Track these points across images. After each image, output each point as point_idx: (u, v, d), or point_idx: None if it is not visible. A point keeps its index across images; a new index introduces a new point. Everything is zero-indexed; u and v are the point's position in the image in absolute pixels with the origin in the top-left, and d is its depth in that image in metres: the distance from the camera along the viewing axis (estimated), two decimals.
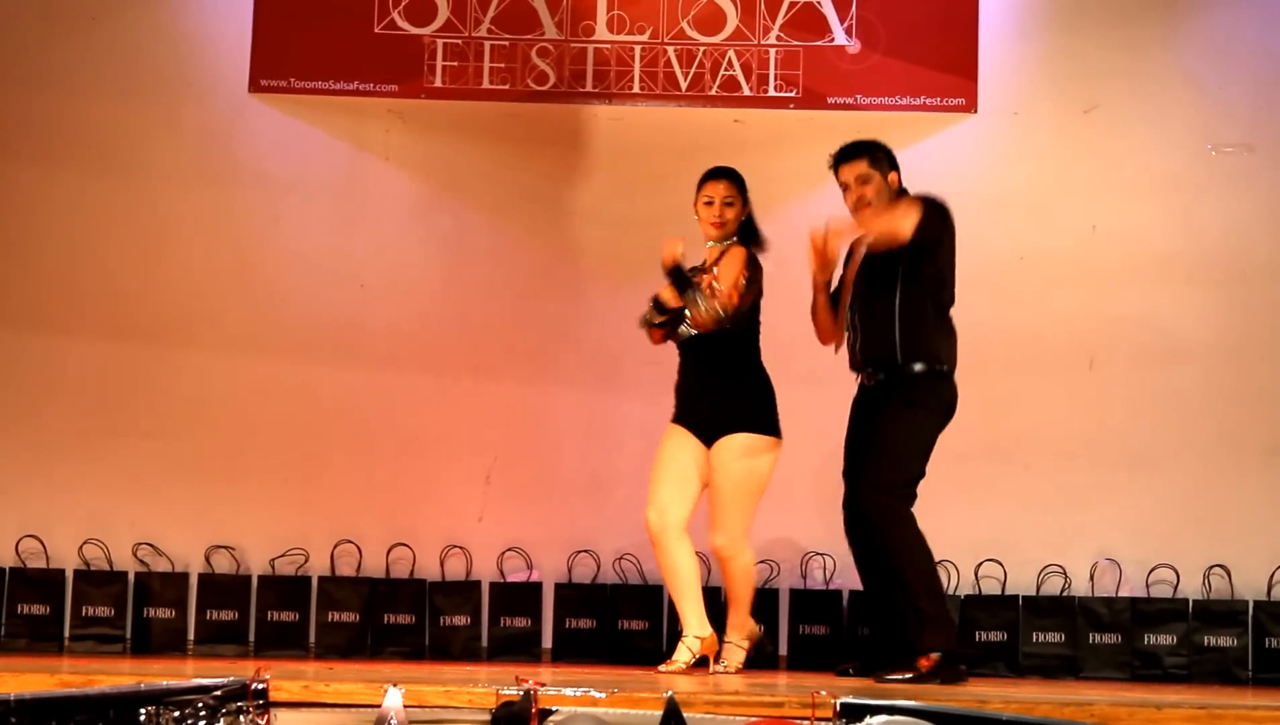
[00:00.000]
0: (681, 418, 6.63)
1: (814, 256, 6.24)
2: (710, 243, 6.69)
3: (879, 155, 6.36)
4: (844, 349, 6.54)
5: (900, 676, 5.88)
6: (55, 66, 8.44)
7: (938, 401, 6.24)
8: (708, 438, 6.54)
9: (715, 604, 6.99)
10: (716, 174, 6.70)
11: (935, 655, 6.02)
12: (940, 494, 7.98)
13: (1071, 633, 7.90)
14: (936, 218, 6.10)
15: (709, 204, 6.64)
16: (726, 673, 6.57)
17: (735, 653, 6.69)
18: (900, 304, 6.19)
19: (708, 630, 6.59)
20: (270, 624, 8.09)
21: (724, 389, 6.54)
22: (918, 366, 6.19)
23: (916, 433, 6.21)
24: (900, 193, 6.32)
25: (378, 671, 5.41)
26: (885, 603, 6.30)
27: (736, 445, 6.48)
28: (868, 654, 6.47)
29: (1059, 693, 5.46)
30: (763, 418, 6.52)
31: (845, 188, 6.37)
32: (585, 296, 8.36)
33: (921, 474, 6.25)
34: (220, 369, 8.35)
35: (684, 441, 6.58)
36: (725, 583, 6.74)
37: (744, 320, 6.51)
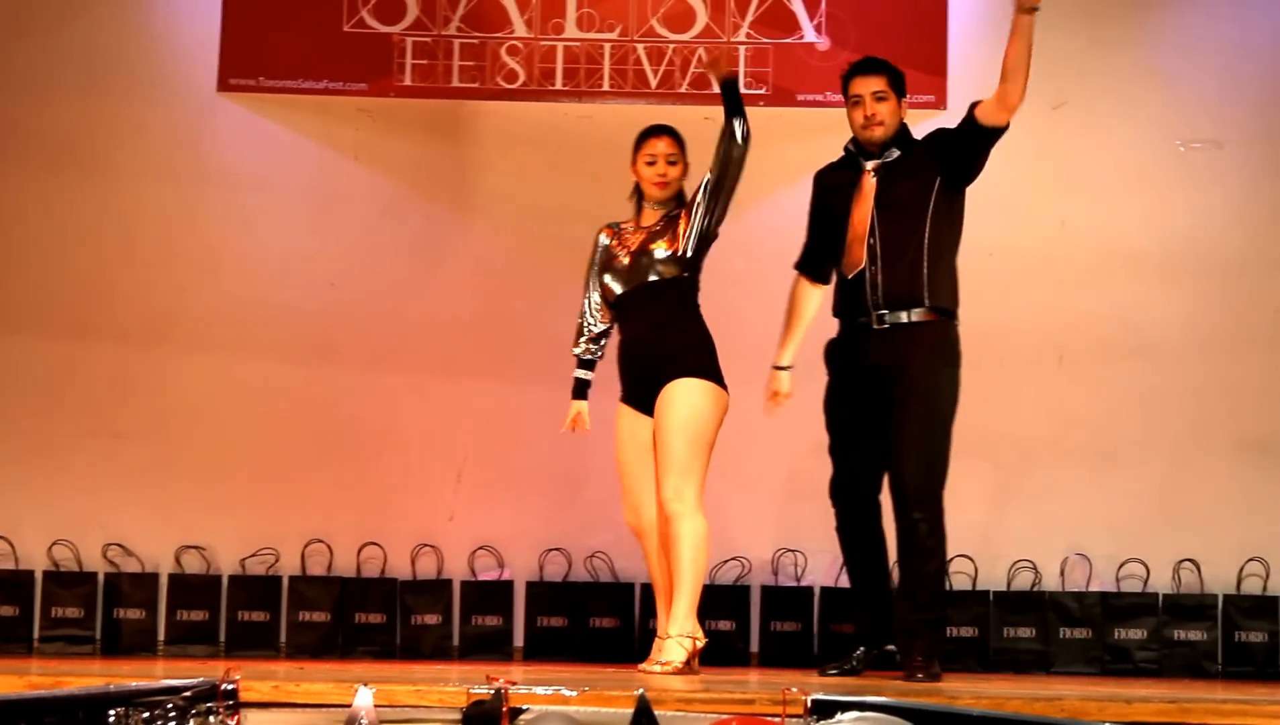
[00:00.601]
0: (628, 395, 6.30)
1: None
2: (650, 205, 6.38)
3: (897, 78, 6.17)
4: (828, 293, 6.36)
5: (921, 677, 5.83)
6: (23, 66, 8.42)
7: (957, 354, 6.13)
8: (653, 398, 6.18)
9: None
10: (658, 130, 6.39)
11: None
12: None
13: (1042, 628, 7.92)
14: None
15: (651, 163, 6.33)
16: (665, 672, 5.94)
17: (675, 649, 6.00)
18: (929, 239, 6.04)
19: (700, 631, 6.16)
20: (241, 624, 8.07)
21: (666, 340, 6.20)
22: (944, 309, 6.07)
23: (954, 403, 6.10)
24: (903, 127, 6.16)
25: (348, 671, 5.40)
26: (879, 599, 6.25)
27: (680, 390, 6.10)
28: (864, 653, 6.25)
29: (1030, 688, 5.46)
30: (709, 367, 6.16)
31: (857, 101, 6.13)
32: (556, 295, 8.32)
33: None
34: (190, 369, 8.33)
35: (635, 425, 6.26)
36: (667, 561, 6.12)
37: (693, 264, 6.25)
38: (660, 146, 6.34)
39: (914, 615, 5.97)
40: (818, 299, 6.41)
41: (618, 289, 6.32)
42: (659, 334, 6.23)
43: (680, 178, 6.36)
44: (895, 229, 6.04)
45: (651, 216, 6.38)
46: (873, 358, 6.08)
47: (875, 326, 6.07)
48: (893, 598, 6.23)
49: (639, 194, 6.44)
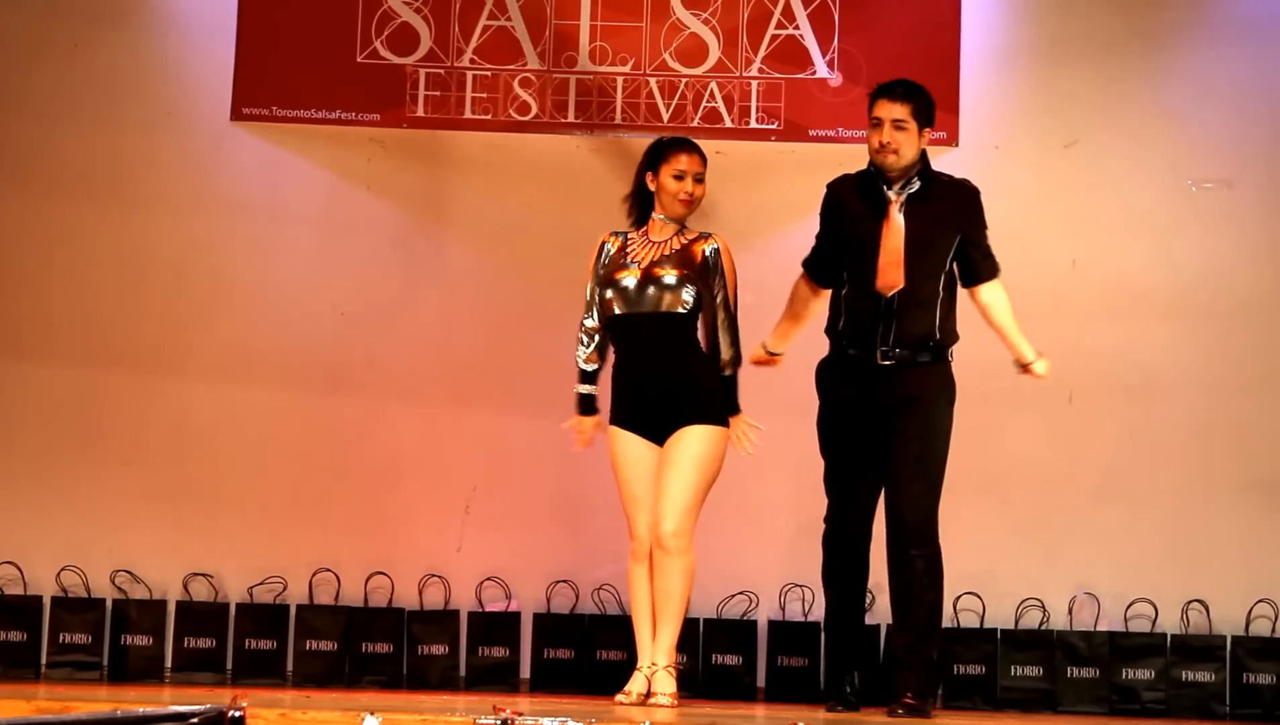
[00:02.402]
0: (630, 421, 6.18)
1: None
2: (664, 218, 6.24)
3: (924, 107, 6.04)
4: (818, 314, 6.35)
5: (901, 713, 5.81)
6: (37, 93, 8.44)
7: (954, 392, 6.17)
8: (661, 434, 6.14)
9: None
10: (688, 146, 6.25)
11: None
12: None
13: (1049, 666, 7.90)
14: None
15: (679, 178, 6.17)
16: (673, 704, 5.97)
17: (669, 679, 6.04)
18: (945, 283, 6.06)
19: None
20: (248, 652, 8.06)
21: (685, 379, 6.13)
22: (947, 349, 6.13)
23: (948, 442, 6.12)
24: (923, 157, 6.06)
25: (355, 700, 5.40)
26: (859, 631, 6.27)
27: (702, 434, 6.08)
28: (861, 690, 6.21)
29: None
30: (722, 412, 6.16)
31: (877, 124, 5.99)
32: (566, 326, 8.29)
33: None
34: (200, 397, 8.34)
35: (639, 450, 6.16)
36: (659, 594, 6.06)
37: (696, 302, 6.18)
38: (693, 164, 6.19)
39: (907, 651, 5.97)
40: (817, 302, 6.36)
41: (620, 308, 6.20)
42: (674, 370, 6.15)
43: (702, 197, 6.25)
44: (920, 269, 6.00)
45: (663, 231, 6.26)
46: (878, 393, 6.04)
47: (881, 362, 6.04)
48: (864, 632, 6.34)
49: (645, 204, 6.31)
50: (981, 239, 6.14)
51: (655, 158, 6.24)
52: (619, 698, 6.06)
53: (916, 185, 6.05)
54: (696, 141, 6.33)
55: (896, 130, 5.98)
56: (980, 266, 6.16)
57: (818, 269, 6.31)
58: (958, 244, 6.07)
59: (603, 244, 6.35)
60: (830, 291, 6.27)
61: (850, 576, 6.17)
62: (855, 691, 6.15)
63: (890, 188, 6.05)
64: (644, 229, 6.30)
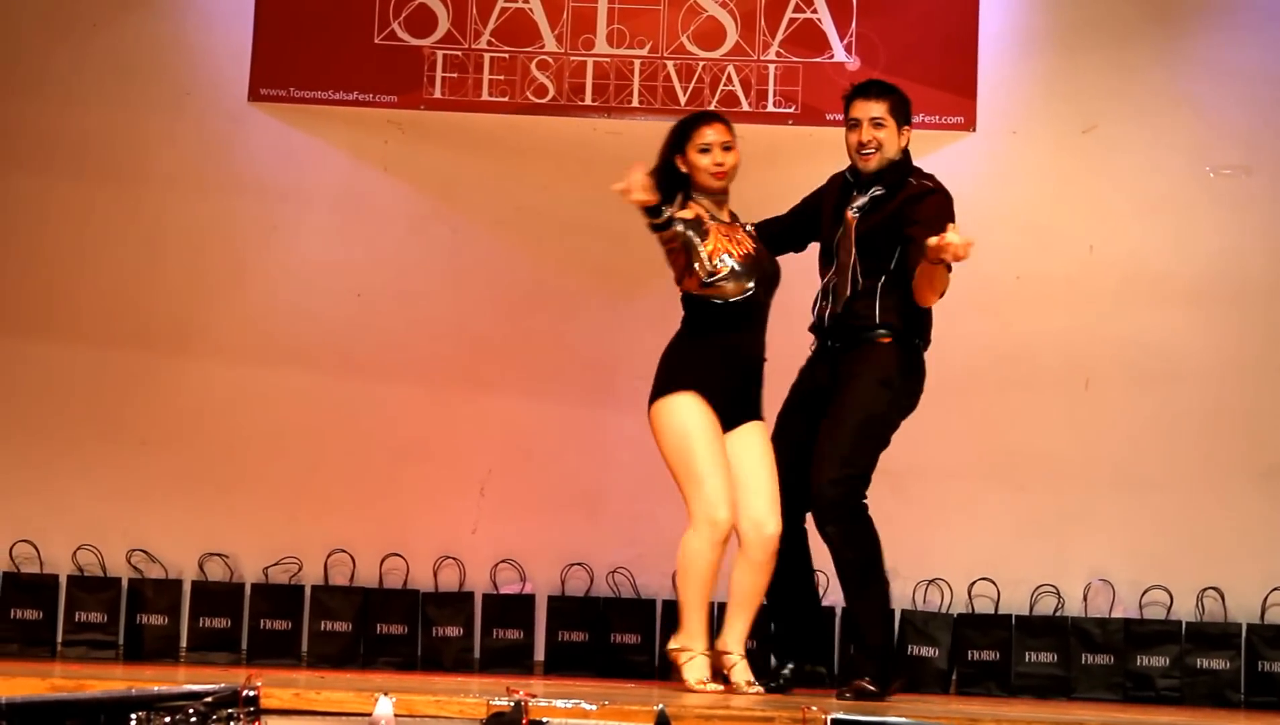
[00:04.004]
0: (710, 393, 5.86)
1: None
2: (706, 197, 5.98)
3: (900, 104, 5.98)
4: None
5: (848, 695, 5.69)
6: (55, 74, 8.45)
7: (902, 372, 5.98)
8: (734, 420, 5.92)
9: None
10: (708, 117, 6.04)
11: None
12: (934, 513, 8.02)
13: (1064, 653, 7.89)
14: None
15: (705, 151, 5.93)
16: (757, 694, 5.84)
17: (748, 668, 5.97)
18: (886, 279, 5.90)
19: None
20: (263, 632, 8.08)
21: (758, 369, 5.99)
22: (894, 328, 5.93)
23: (884, 419, 5.97)
24: (905, 154, 5.99)
25: (369, 681, 5.41)
26: (801, 614, 6.17)
27: (764, 429, 5.98)
28: (792, 670, 6.08)
29: (1051, 713, 5.46)
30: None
31: (855, 125, 5.94)
32: (582, 309, 8.36)
33: None
34: (216, 377, 8.35)
35: (716, 428, 5.86)
36: (752, 588, 5.92)
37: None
38: (714, 134, 5.94)
39: (848, 634, 5.90)
40: None
41: (749, 282, 5.90)
42: (759, 363, 6.02)
43: (736, 165, 5.98)
44: (864, 265, 5.93)
45: (724, 212, 6.03)
46: (821, 377, 6.03)
47: (829, 346, 6.03)
48: (819, 615, 6.24)
49: (680, 184, 6.01)
50: (919, 232, 5.75)
51: (680, 138, 6.01)
52: (703, 687, 5.81)
53: (879, 192, 5.95)
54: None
55: (875, 128, 5.93)
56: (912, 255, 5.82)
57: (772, 232, 6.20)
58: (900, 248, 5.88)
59: (698, 211, 5.97)
60: None
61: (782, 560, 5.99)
62: (794, 674, 6.01)
63: (858, 193, 6.00)
64: (713, 209, 6.01)
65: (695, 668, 5.87)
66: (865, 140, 5.94)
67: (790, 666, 6.07)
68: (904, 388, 5.95)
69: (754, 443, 5.94)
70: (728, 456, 5.87)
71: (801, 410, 6.06)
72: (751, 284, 5.90)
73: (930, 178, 6.04)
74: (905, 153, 6.03)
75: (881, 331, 5.90)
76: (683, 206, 5.95)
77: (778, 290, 6.10)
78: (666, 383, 5.92)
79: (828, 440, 5.87)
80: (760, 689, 5.84)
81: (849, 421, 5.86)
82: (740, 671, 5.91)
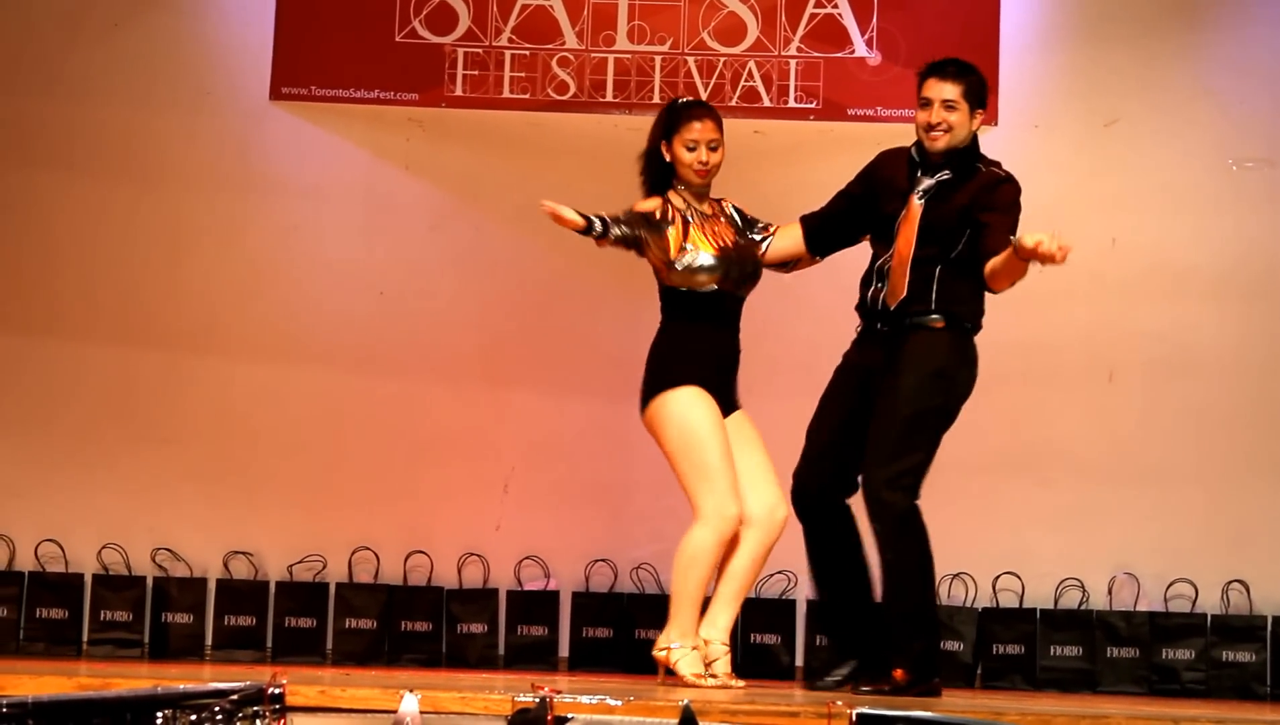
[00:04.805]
0: (707, 382, 5.89)
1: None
2: (688, 189, 6.01)
3: (976, 87, 5.81)
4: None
5: (877, 688, 5.61)
6: (76, 73, 8.47)
7: (956, 360, 5.87)
8: (727, 407, 5.94)
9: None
10: (699, 111, 6.00)
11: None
12: (958, 506, 8.00)
13: (1089, 646, 7.89)
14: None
15: (691, 148, 5.94)
16: (740, 686, 5.87)
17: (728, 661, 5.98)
18: (944, 264, 5.78)
19: None
20: (288, 630, 8.10)
21: (736, 361, 6.00)
22: (951, 315, 5.82)
23: (938, 409, 5.85)
24: (974, 139, 5.85)
25: (394, 678, 5.42)
26: (859, 613, 5.97)
27: (747, 418, 6.01)
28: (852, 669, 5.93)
29: (1076, 706, 5.45)
30: None
31: (926, 104, 5.78)
32: (604, 306, 8.36)
33: None
34: (238, 376, 8.37)
35: (719, 419, 5.88)
36: (749, 573, 5.94)
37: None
38: (706, 131, 5.95)
39: (891, 628, 5.73)
40: (794, 251, 6.14)
41: (715, 285, 5.93)
42: (737, 352, 6.03)
43: (719, 164, 5.98)
44: (924, 251, 5.79)
45: (706, 204, 6.05)
46: (869, 359, 5.89)
47: (880, 329, 5.89)
48: (874, 610, 5.98)
49: (666, 173, 6.05)
50: (986, 234, 5.72)
51: (668, 127, 6.01)
52: (703, 680, 5.77)
53: (946, 175, 5.82)
54: (722, 112, 6.17)
55: (947, 110, 5.77)
56: (985, 248, 5.75)
57: (816, 229, 6.11)
58: (968, 234, 5.77)
59: (667, 200, 6.04)
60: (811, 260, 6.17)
61: (827, 550, 5.94)
62: (852, 674, 5.85)
63: (923, 174, 5.85)
64: (694, 199, 6.04)
65: (690, 662, 5.84)
66: (935, 121, 5.79)
67: (851, 665, 5.90)
68: (959, 376, 5.83)
69: (748, 430, 5.96)
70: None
71: (850, 392, 5.91)
72: (722, 275, 5.92)
73: (998, 165, 5.92)
74: (974, 138, 5.89)
75: (935, 317, 5.78)
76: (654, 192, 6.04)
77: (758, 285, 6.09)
78: (662, 378, 5.94)
79: (880, 433, 5.74)
80: (741, 684, 5.80)
81: (901, 415, 5.73)
82: (724, 664, 5.87)
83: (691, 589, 5.85)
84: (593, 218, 5.87)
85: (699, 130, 5.94)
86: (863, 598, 5.98)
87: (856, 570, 5.97)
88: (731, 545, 5.87)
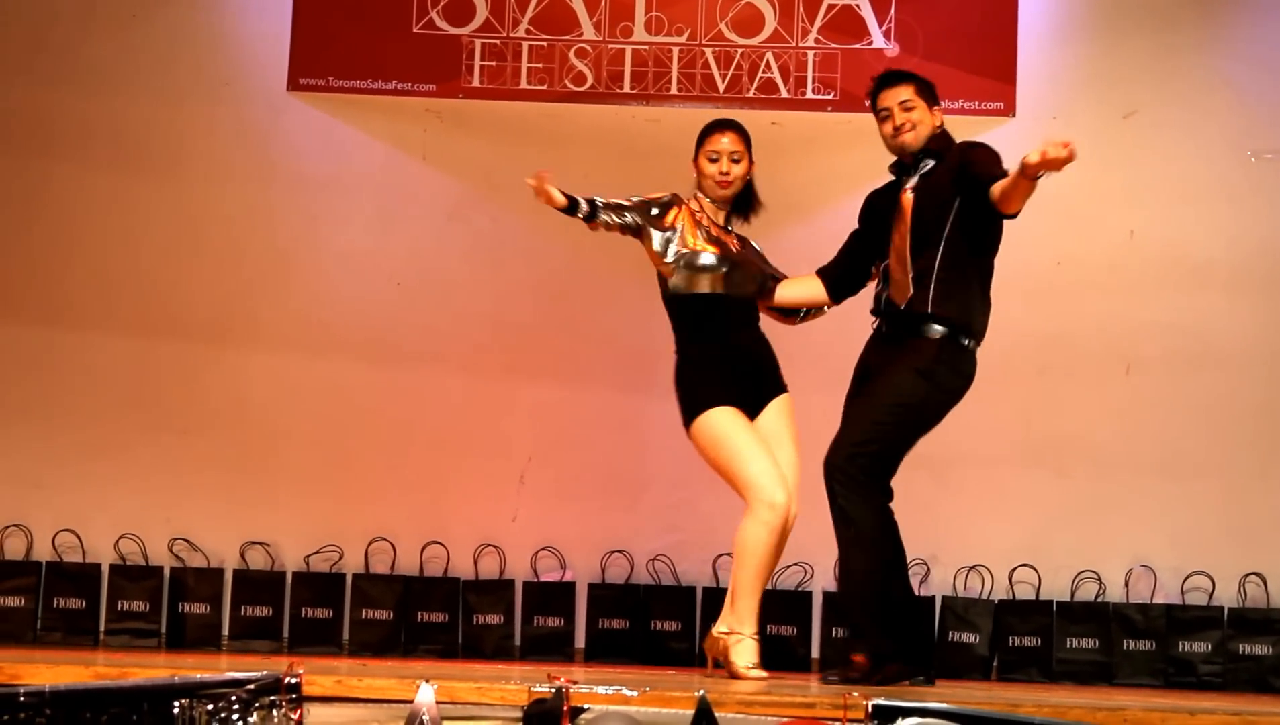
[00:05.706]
0: (736, 399, 5.97)
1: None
2: (714, 202, 6.15)
3: (924, 86, 5.97)
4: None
5: (843, 675, 5.61)
6: (94, 64, 8.49)
7: (944, 365, 5.87)
8: (757, 407, 6.03)
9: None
10: (721, 125, 6.16)
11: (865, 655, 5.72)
12: (975, 499, 7.99)
13: (1106, 639, 7.88)
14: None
15: (714, 160, 6.10)
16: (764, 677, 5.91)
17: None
18: (943, 255, 5.83)
19: None
20: (304, 620, 8.12)
21: (766, 351, 6.11)
22: (946, 320, 5.83)
23: (914, 407, 5.86)
24: (942, 130, 5.96)
25: (411, 668, 5.43)
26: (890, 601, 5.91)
27: (789, 403, 6.09)
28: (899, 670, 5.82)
29: (1092, 698, 5.44)
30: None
31: (885, 115, 5.93)
32: (621, 298, 8.35)
33: None
34: (256, 366, 8.39)
35: (745, 419, 5.96)
36: (771, 564, 5.98)
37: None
38: (723, 142, 6.11)
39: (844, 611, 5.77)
40: (814, 297, 6.28)
41: (717, 287, 6.07)
42: (760, 345, 6.12)
43: (744, 176, 6.13)
44: (920, 244, 5.85)
45: (720, 217, 6.18)
46: (872, 357, 5.98)
47: (884, 330, 5.97)
48: (917, 608, 6.04)
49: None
50: (977, 166, 5.81)
51: (698, 141, 6.20)
52: (745, 669, 5.78)
53: (930, 164, 5.93)
54: (741, 119, 6.28)
55: (905, 111, 5.91)
56: (983, 185, 5.78)
57: (834, 279, 6.25)
58: (957, 208, 5.82)
59: (670, 200, 6.19)
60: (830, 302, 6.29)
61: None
62: (864, 670, 5.74)
63: (909, 176, 5.96)
64: (709, 211, 6.19)
65: (745, 652, 5.86)
66: (899, 123, 5.93)
67: (896, 668, 5.77)
68: (944, 381, 5.83)
69: (779, 424, 6.04)
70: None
71: (856, 391, 6.01)
72: (722, 275, 6.04)
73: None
74: (943, 129, 6.00)
75: (933, 324, 5.82)
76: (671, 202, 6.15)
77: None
78: (692, 406, 6.03)
79: (848, 417, 5.88)
80: (762, 675, 5.79)
81: (874, 403, 5.80)
82: (753, 652, 5.88)
83: (750, 579, 5.90)
84: (579, 199, 6.04)
85: (721, 143, 6.11)
86: (905, 595, 5.97)
87: (898, 570, 5.92)
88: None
